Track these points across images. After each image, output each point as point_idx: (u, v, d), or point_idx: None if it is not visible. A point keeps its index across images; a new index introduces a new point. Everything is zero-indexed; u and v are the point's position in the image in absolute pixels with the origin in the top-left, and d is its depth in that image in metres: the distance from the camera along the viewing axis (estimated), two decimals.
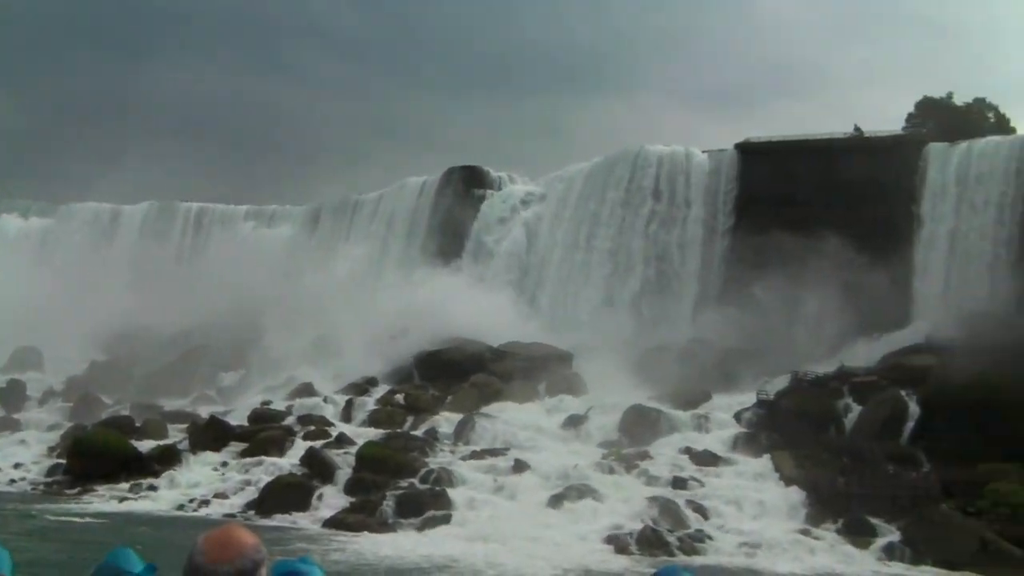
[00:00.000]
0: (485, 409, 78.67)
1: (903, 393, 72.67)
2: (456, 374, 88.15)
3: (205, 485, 66.41)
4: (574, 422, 76.08)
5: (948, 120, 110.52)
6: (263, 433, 74.57)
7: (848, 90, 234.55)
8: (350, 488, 63.69)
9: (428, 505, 58.92)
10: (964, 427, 64.54)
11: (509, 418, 76.54)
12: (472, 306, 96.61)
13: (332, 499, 62.81)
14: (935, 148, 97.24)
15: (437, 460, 67.97)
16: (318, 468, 66.52)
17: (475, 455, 69.15)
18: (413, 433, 75.41)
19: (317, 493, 63.40)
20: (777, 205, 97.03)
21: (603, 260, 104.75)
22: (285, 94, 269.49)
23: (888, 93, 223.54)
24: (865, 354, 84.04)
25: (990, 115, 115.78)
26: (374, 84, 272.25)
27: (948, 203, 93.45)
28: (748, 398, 78.99)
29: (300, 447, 71.69)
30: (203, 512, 61.35)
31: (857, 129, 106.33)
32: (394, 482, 63.19)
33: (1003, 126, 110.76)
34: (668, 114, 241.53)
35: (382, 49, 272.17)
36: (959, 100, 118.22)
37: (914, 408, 71.17)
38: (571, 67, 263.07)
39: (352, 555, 49.58)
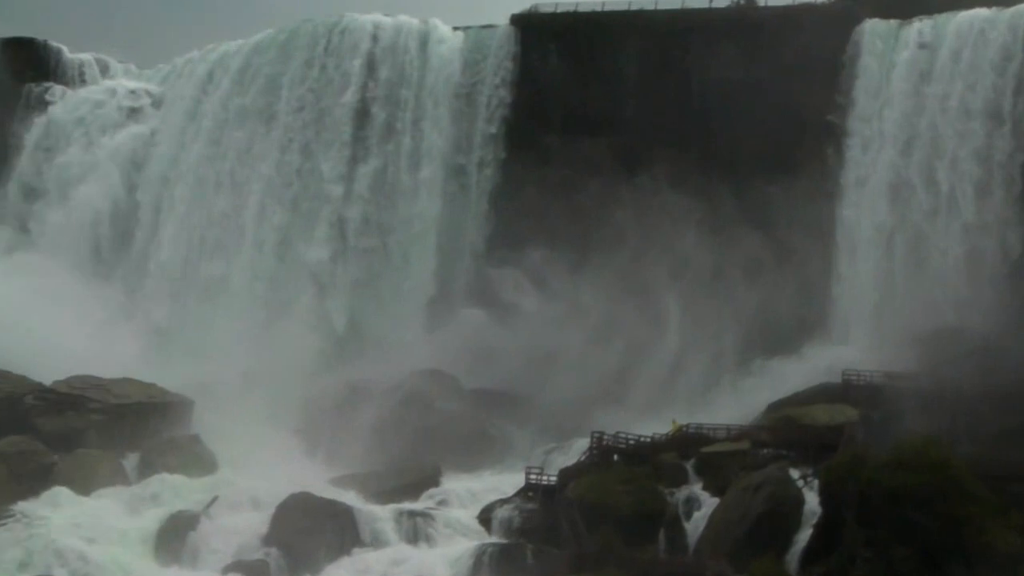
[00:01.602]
0: (19, 504, 75.08)
1: (794, 473, 70.39)
2: None
3: None
4: (180, 526, 72.53)
5: None
6: None
7: None
8: None
9: None
10: (896, 536, 61.33)
11: (62, 519, 72.80)
12: (13, 303, 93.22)
13: None
14: (874, 27, 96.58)
15: None
16: None
17: None
18: None
19: None
20: (580, 129, 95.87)
21: (263, 225, 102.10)
22: None
23: None
24: (730, 399, 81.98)
25: None
26: None
27: (892, 124, 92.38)
28: (510, 480, 76.11)
29: None
30: None
31: None
32: None
33: None
34: None
35: None
36: None
37: (812, 502, 67.93)
38: None
39: None
